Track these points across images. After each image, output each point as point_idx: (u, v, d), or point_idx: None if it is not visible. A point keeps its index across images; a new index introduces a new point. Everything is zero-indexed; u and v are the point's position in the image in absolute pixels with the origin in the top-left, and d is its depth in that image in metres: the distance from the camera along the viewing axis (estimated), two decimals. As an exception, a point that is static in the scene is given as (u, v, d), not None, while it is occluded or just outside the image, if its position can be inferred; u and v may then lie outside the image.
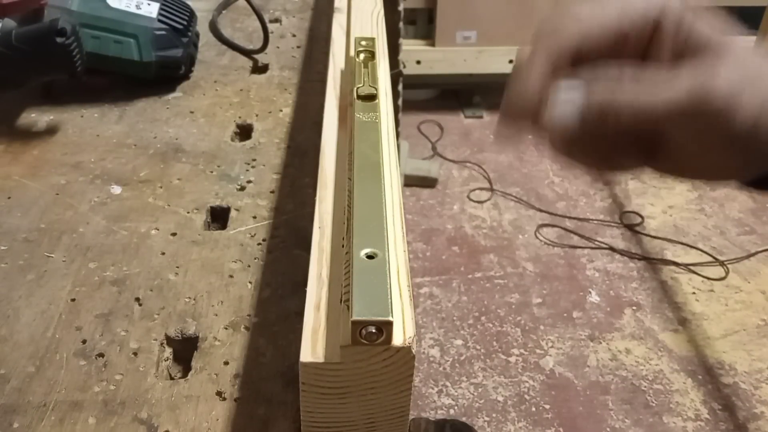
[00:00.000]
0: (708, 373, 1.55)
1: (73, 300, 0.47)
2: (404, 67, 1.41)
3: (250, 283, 0.49)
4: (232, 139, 0.66)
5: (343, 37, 0.57)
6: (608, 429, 1.43)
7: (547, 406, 1.47)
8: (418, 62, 2.26)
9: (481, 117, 2.48)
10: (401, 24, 1.41)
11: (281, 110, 0.69)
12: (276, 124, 0.67)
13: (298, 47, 0.82)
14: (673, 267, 1.85)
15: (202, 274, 0.49)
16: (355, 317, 0.27)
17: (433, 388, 1.51)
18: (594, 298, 1.75)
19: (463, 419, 1.43)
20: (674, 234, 1.95)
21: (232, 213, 0.56)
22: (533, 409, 1.47)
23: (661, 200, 2.09)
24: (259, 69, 0.78)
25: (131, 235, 0.53)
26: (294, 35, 0.85)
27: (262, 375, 0.42)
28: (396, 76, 1.32)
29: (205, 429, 0.39)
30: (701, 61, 0.28)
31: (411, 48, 2.22)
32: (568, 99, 0.30)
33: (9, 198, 0.57)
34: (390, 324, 0.27)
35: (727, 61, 0.28)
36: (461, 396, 1.50)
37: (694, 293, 1.77)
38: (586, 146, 0.32)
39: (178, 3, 0.73)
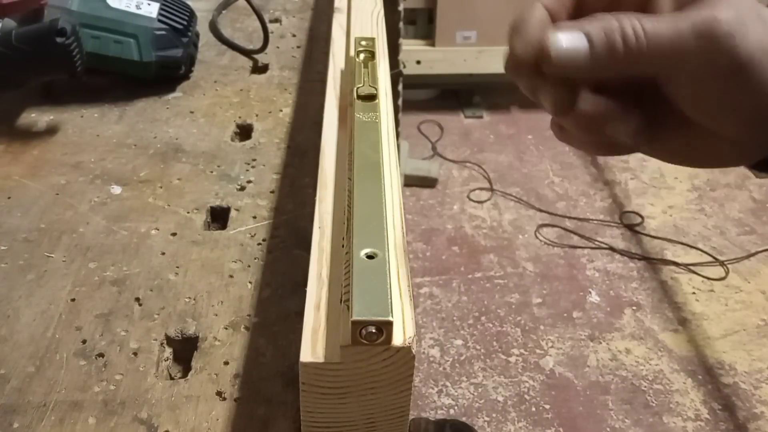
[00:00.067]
0: (708, 373, 1.55)
1: (73, 300, 0.47)
2: (404, 67, 1.41)
3: (250, 283, 0.49)
4: (232, 139, 0.66)
5: (343, 37, 0.57)
6: (608, 429, 1.43)
7: (547, 406, 1.47)
8: (418, 62, 2.26)
9: (481, 117, 2.48)
10: (401, 24, 1.40)
11: (281, 110, 0.69)
12: (276, 124, 0.67)
13: (298, 47, 0.82)
14: (673, 267, 1.85)
15: (202, 274, 0.49)
16: (355, 317, 0.27)
17: (433, 388, 1.51)
18: (594, 298, 1.75)
19: (463, 419, 1.43)
20: (674, 234, 1.95)
21: (232, 213, 0.56)
22: (533, 409, 1.47)
23: (661, 200, 2.09)
24: (259, 69, 0.78)
25: (131, 235, 0.53)
26: (294, 35, 0.85)
27: (262, 375, 0.42)
28: (396, 76, 1.32)
29: (205, 429, 0.39)
30: (701, 4, 0.28)
31: (411, 48, 2.22)
32: (573, 36, 0.28)
33: (9, 198, 0.57)
34: (390, 324, 0.27)
35: (726, 3, 0.28)
36: (461, 396, 1.50)
37: (694, 293, 1.77)
38: (573, 92, 0.30)
39: (178, 3, 0.73)
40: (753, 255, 1.88)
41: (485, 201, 2.09)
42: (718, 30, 0.27)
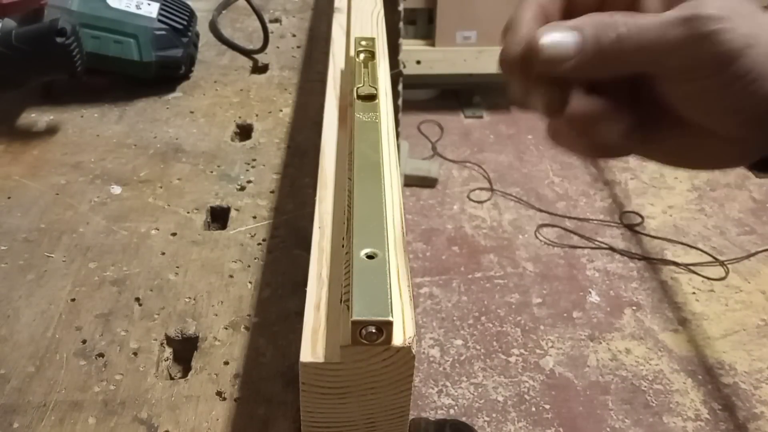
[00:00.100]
0: (708, 373, 1.55)
1: (73, 300, 0.47)
2: (404, 67, 1.41)
3: (250, 283, 0.49)
4: (232, 139, 0.66)
5: (343, 37, 0.57)
6: (608, 429, 1.43)
7: (547, 406, 1.47)
8: (418, 62, 2.26)
9: (481, 117, 2.48)
10: (401, 24, 1.40)
11: (281, 110, 0.69)
12: (276, 124, 0.67)
13: (298, 47, 0.82)
14: (673, 267, 1.85)
15: (202, 274, 0.49)
16: (355, 317, 0.27)
17: (433, 388, 1.51)
18: (594, 298, 1.75)
19: (463, 419, 1.43)
20: (674, 234, 1.95)
21: (232, 213, 0.56)
22: (533, 409, 1.47)
23: (661, 200, 2.09)
24: (259, 69, 0.78)
25: (131, 235, 0.53)
26: (294, 35, 0.85)
27: (262, 375, 0.42)
28: (396, 76, 1.32)
29: (205, 429, 0.39)
30: (689, 2, 0.28)
31: (411, 48, 2.22)
32: (560, 33, 0.29)
33: (9, 198, 0.57)
34: (390, 324, 0.27)
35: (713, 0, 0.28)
36: (461, 396, 1.50)
37: (694, 293, 1.77)
38: (564, 93, 0.30)
39: (178, 3, 0.73)
40: (753, 255, 1.88)
41: (485, 201, 2.09)
42: (702, 24, 0.27)
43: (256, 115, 0.68)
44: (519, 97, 0.32)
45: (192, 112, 0.69)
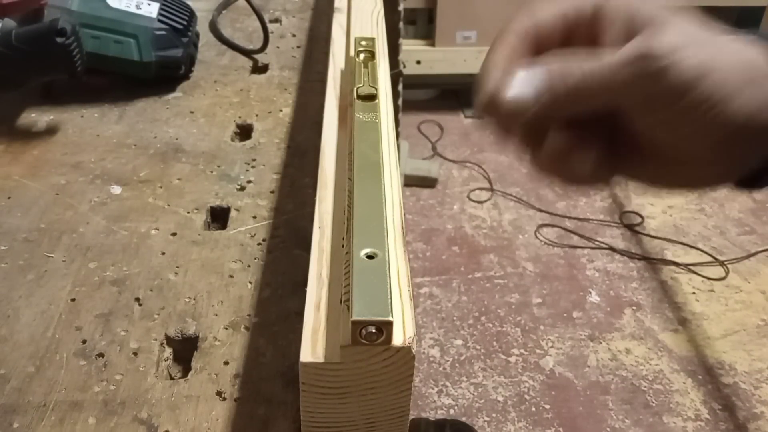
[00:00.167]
0: (708, 373, 1.55)
1: (73, 300, 0.47)
2: (404, 67, 1.41)
3: (250, 283, 0.49)
4: (232, 139, 0.66)
5: (343, 37, 0.57)
6: (608, 429, 1.43)
7: (547, 406, 1.47)
8: (418, 62, 2.26)
9: (481, 117, 2.48)
10: (401, 24, 1.40)
11: (281, 110, 0.69)
12: (276, 124, 0.67)
13: (298, 47, 0.82)
14: (673, 267, 1.85)
15: (202, 274, 0.49)
16: (355, 317, 0.27)
17: (433, 388, 1.51)
18: (594, 298, 1.75)
19: (463, 419, 1.43)
20: (674, 234, 1.95)
21: (232, 213, 0.56)
22: (533, 409, 1.47)
23: (661, 200, 2.09)
24: (259, 69, 0.78)
25: (131, 235, 0.53)
26: (294, 35, 0.85)
27: (262, 375, 0.42)
28: (396, 76, 1.32)
29: (205, 429, 0.39)
30: (643, 34, 0.29)
31: (411, 48, 2.22)
32: (524, 81, 0.31)
33: (9, 198, 0.57)
34: (390, 324, 0.27)
35: (668, 29, 0.29)
36: (461, 396, 1.50)
37: (694, 293, 1.77)
38: (539, 130, 0.32)
39: (178, 3, 0.73)
40: (753, 255, 1.88)
41: (485, 201, 2.09)
42: (652, 61, 0.28)
43: (256, 115, 0.68)
44: (500, 137, 0.34)
45: (192, 112, 0.69)
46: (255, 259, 0.51)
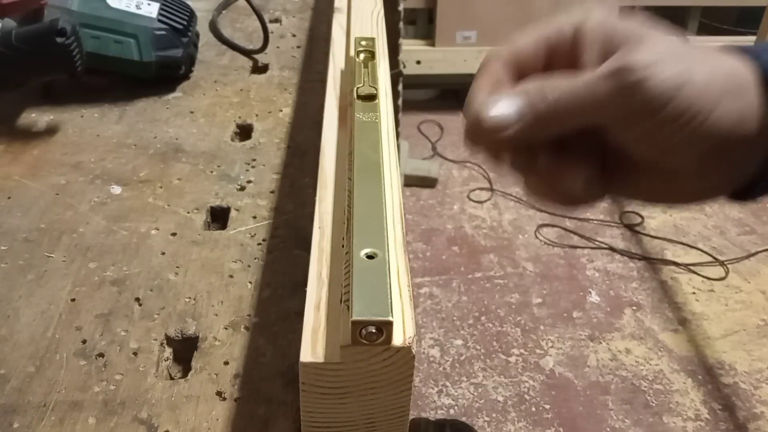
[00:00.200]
0: (708, 373, 1.55)
1: (73, 300, 0.47)
2: (404, 67, 1.41)
3: (250, 283, 0.49)
4: (232, 139, 0.66)
5: (343, 37, 0.57)
6: (608, 429, 1.43)
7: (547, 406, 1.47)
8: (418, 62, 2.26)
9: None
10: (401, 24, 1.41)
11: (281, 110, 0.69)
12: (276, 124, 0.67)
13: (298, 47, 0.82)
14: (673, 267, 1.85)
15: (202, 274, 0.49)
16: (355, 317, 0.27)
17: (433, 388, 1.51)
18: (594, 298, 1.75)
19: (463, 419, 1.43)
20: (674, 234, 1.95)
21: (232, 213, 0.56)
22: (533, 409, 1.47)
23: (661, 200, 2.09)
24: (259, 69, 0.78)
25: (131, 235, 0.53)
26: (294, 35, 0.85)
27: (262, 375, 0.42)
28: (396, 76, 1.32)
29: (205, 429, 0.39)
30: (621, 50, 0.29)
31: (411, 48, 2.22)
32: (505, 103, 0.31)
33: (9, 198, 0.57)
34: (390, 324, 0.27)
35: (645, 44, 0.29)
36: (461, 396, 1.50)
37: (694, 293, 1.77)
38: (529, 155, 0.33)
39: (178, 3, 0.73)
40: (753, 255, 1.88)
41: (485, 201, 2.09)
42: (628, 74, 0.28)
43: (256, 115, 0.68)
44: (491, 164, 0.34)
45: (192, 112, 0.69)
46: (255, 259, 0.51)
